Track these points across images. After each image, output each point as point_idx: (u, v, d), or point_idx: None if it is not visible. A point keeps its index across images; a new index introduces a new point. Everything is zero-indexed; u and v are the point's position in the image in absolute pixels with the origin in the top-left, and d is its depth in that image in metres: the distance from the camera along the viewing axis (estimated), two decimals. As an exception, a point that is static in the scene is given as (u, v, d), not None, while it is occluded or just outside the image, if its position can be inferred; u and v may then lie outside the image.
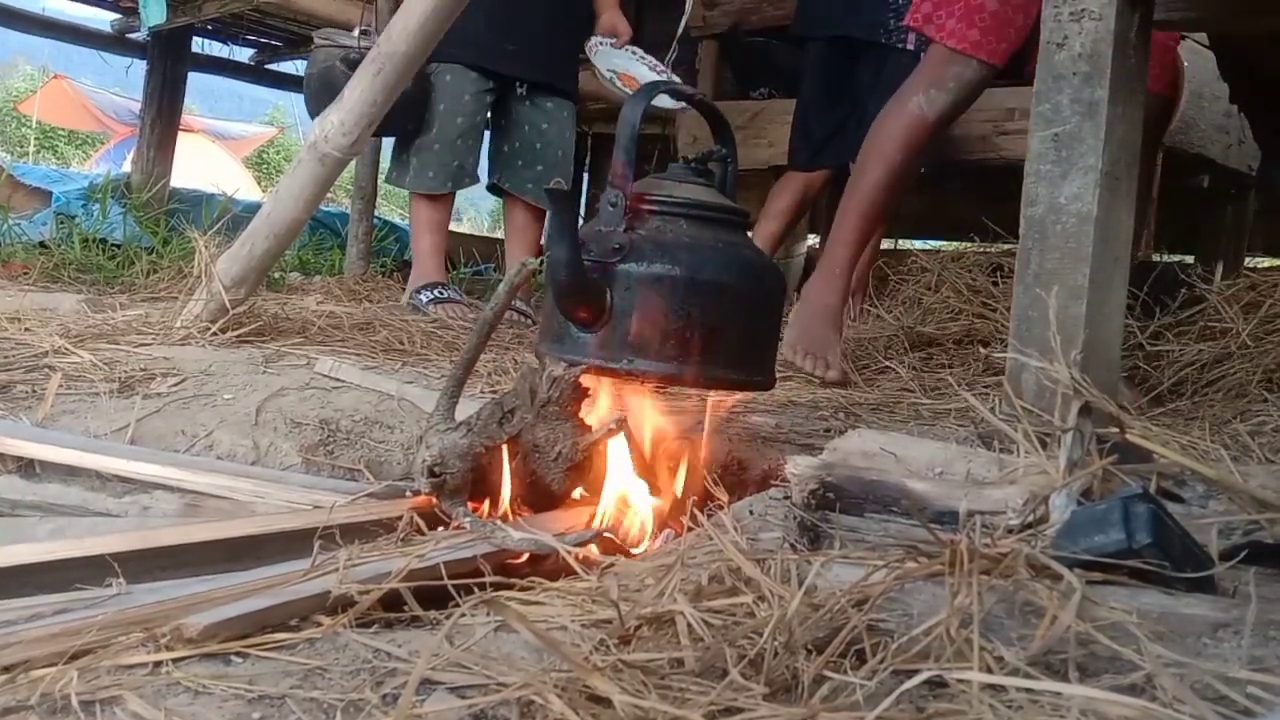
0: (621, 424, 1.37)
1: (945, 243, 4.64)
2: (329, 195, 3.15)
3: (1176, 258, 4.03)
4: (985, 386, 2.11)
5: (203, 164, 10.25)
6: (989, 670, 0.68)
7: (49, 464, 1.43)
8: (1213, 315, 2.23)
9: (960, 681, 0.67)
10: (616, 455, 1.38)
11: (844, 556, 0.91)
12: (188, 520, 1.30)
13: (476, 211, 18.67)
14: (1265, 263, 4.53)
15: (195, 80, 6.07)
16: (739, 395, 1.77)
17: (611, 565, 1.04)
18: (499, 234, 5.91)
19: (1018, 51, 2.21)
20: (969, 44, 2.19)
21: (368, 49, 2.42)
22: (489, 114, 3.26)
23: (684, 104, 2.93)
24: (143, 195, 4.76)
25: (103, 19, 5.89)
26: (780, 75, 4.00)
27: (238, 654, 0.80)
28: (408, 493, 1.34)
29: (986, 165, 3.29)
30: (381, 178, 3.94)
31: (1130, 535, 0.84)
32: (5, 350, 1.87)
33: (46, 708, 0.70)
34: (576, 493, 1.38)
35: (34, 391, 1.69)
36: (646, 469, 1.45)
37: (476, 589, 0.95)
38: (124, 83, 8.43)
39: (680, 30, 3.52)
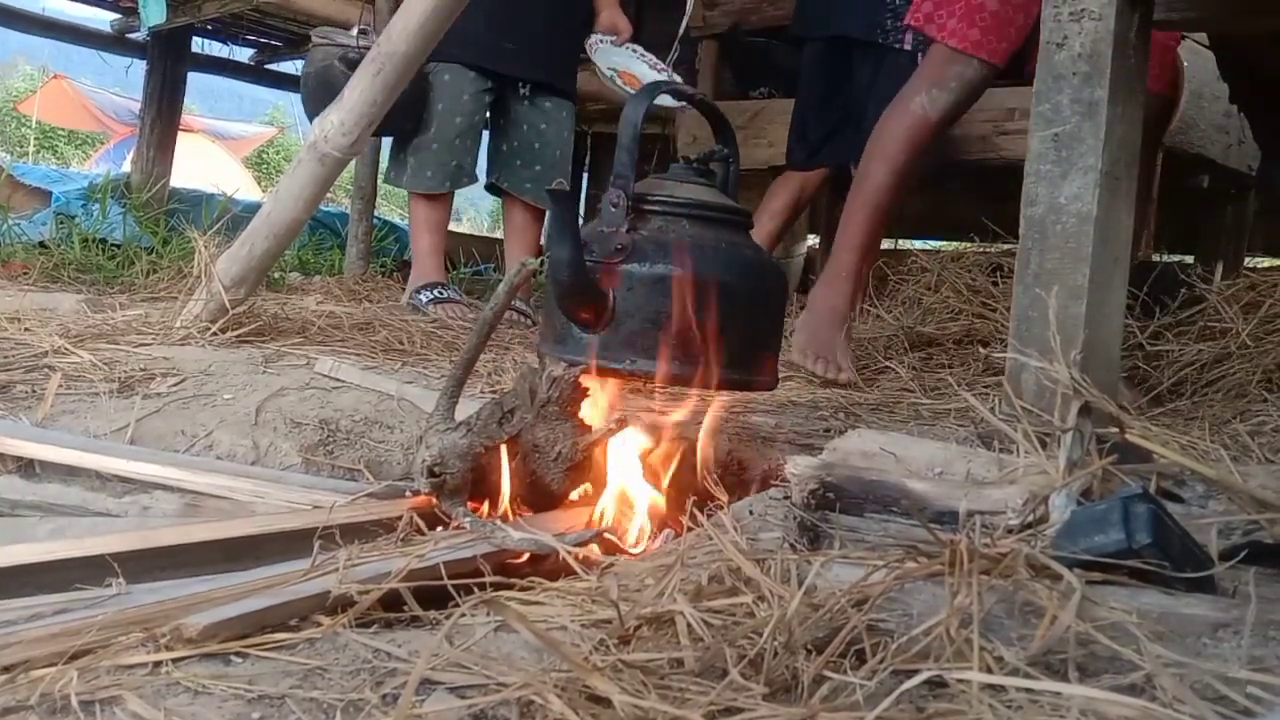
0: (621, 424, 1.37)
1: (945, 243, 4.64)
2: (329, 195, 3.16)
3: (1176, 258, 4.02)
4: (985, 386, 2.10)
5: (203, 164, 10.26)
6: (989, 670, 0.68)
7: (49, 464, 1.43)
8: (1212, 315, 2.23)
9: (960, 681, 0.67)
10: (616, 455, 1.38)
11: (844, 556, 0.92)
12: (187, 520, 1.30)
13: (476, 211, 18.67)
14: (1265, 263, 4.53)
15: (195, 80, 6.08)
16: (740, 395, 1.77)
17: (611, 565, 1.04)
18: (498, 234, 5.91)
19: (1018, 51, 2.21)
20: (970, 44, 2.19)
21: (366, 48, 2.42)
22: (488, 113, 3.26)
23: (684, 103, 2.93)
24: (142, 195, 4.76)
25: (103, 19, 5.90)
26: (780, 75, 4.00)
27: (237, 654, 0.80)
28: (407, 493, 1.34)
29: (986, 165, 3.29)
30: (381, 177, 3.94)
31: (1130, 535, 0.84)
32: (5, 350, 1.87)
33: (46, 708, 0.70)
34: (576, 493, 1.38)
35: (34, 391, 1.69)
36: (646, 469, 1.44)
37: (476, 589, 0.95)
38: (124, 83, 8.46)
39: (682, 30, 3.52)
